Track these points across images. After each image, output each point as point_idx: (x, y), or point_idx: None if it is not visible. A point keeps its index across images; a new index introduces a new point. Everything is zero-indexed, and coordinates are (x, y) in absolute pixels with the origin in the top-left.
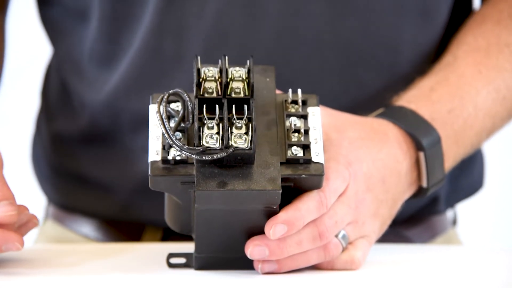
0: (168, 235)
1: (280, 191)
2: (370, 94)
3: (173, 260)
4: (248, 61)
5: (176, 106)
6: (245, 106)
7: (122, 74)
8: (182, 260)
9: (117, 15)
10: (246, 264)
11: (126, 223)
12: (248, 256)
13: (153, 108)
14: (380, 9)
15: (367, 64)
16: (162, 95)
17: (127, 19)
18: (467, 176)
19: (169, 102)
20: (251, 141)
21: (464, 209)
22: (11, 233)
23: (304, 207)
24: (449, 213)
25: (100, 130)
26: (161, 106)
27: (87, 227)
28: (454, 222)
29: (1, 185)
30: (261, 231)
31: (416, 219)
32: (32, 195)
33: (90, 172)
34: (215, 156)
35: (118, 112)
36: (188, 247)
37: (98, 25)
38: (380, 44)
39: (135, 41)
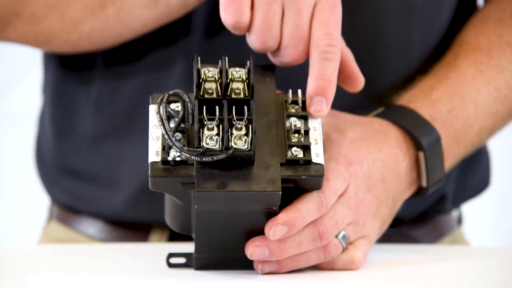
0: (175, 236)
1: (280, 192)
2: (379, 94)
3: (173, 260)
4: (248, 62)
5: (176, 106)
6: (245, 107)
7: (136, 75)
8: (182, 260)
9: None
10: (246, 264)
11: (132, 223)
12: (248, 256)
13: (152, 109)
14: (389, 9)
15: (376, 65)
16: (162, 95)
17: None
18: (474, 175)
19: (168, 102)
20: (251, 142)
21: (470, 209)
22: None
23: (304, 208)
24: (454, 213)
25: (108, 130)
26: (161, 107)
27: (92, 228)
28: (459, 221)
29: None
30: (261, 232)
31: (422, 219)
32: (36, 196)
33: (96, 172)
34: (215, 158)
35: (127, 112)
36: (188, 247)
37: None
38: (389, 44)
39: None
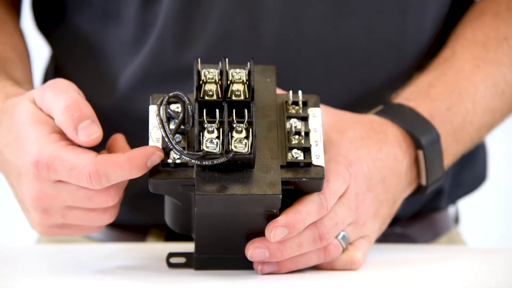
0: (171, 237)
1: (280, 195)
2: (375, 92)
3: (173, 260)
4: (248, 63)
5: (176, 107)
6: (245, 110)
7: (128, 79)
8: (182, 260)
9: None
10: (246, 264)
11: (130, 225)
12: (249, 257)
13: (152, 109)
14: (382, 8)
15: (371, 63)
16: (162, 97)
17: (146, 23)
18: (471, 169)
19: (169, 103)
20: (251, 145)
21: (467, 208)
22: (148, 146)
23: (305, 210)
24: (451, 211)
25: (105, 133)
26: (161, 109)
27: None
28: (456, 220)
29: (83, 103)
30: (261, 233)
31: (419, 217)
32: None
33: None
34: (215, 161)
35: (123, 115)
36: (188, 247)
37: (124, 29)
38: (383, 43)
39: (145, 46)
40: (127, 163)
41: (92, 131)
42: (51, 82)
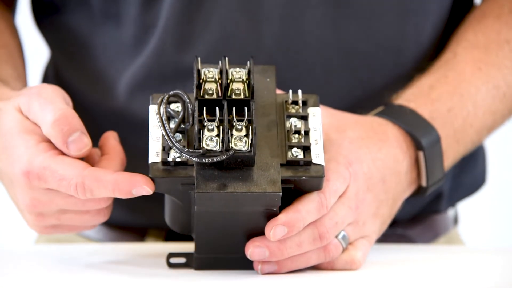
0: (170, 238)
1: (280, 193)
2: (374, 94)
3: (173, 260)
4: (248, 62)
5: (176, 106)
6: (245, 108)
7: (128, 80)
8: (182, 260)
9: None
10: (246, 264)
11: (129, 226)
12: (248, 257)
13: (153, 109)
14: (382, 11)
15: (370, 66)
16: (162, 96)
17: (146, 25)
18: (470, 173)
19: (169, 102)
20: (251, 143)
21: (466, 208)
22: (138, 176)
23: (304, 209)
24: (450, 212)
25: (103, 133)
26: (161, 108)
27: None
28: (455, 221)
29: (71, 115)
30: (261, 232)
31: (418, 218)
32: None
33: None
34: (215, 159)
35: (121, 115)
36: (188, 247)
37: (125, 30)
38: (383, 45)
39: (145, 47)
40: (111, 185)
41: (82, 145)
42: (37, 90)
